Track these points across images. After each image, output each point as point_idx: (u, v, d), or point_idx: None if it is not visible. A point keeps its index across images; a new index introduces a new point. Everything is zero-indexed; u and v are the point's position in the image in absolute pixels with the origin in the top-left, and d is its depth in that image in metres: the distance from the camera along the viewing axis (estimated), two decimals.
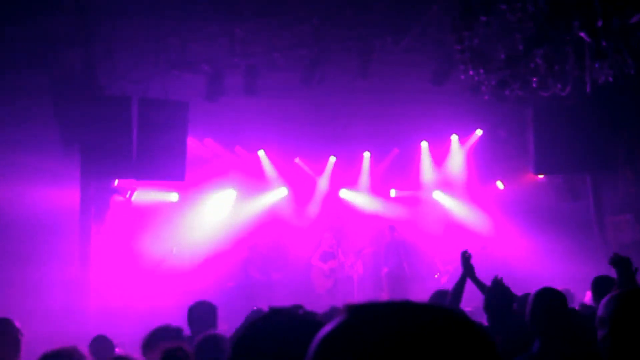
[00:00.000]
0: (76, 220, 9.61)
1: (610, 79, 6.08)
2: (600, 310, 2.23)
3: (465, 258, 5.01)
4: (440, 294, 5.36)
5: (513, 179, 12.71)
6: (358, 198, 13.74)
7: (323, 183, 13.79)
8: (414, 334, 0.75)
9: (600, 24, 5.57)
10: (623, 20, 5.64)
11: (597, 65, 6.01)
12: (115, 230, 10.47)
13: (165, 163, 9.72)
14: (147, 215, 11.79)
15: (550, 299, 3.21)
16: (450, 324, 0.77)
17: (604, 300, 2.25)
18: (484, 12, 5.66)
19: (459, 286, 4.91)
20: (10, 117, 8.87)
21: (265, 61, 9.99)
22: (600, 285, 5.07)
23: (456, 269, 11.37)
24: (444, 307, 0.81)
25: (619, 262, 4.34)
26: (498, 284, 4.75)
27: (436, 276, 11.86)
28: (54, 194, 9.32)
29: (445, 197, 13.52)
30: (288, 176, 13.68)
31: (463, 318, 0.80)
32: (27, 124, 8.92)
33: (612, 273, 9.56)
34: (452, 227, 12.81)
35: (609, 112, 10.74)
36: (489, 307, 4.68)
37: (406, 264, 11.87)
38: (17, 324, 3.99)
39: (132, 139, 9.46)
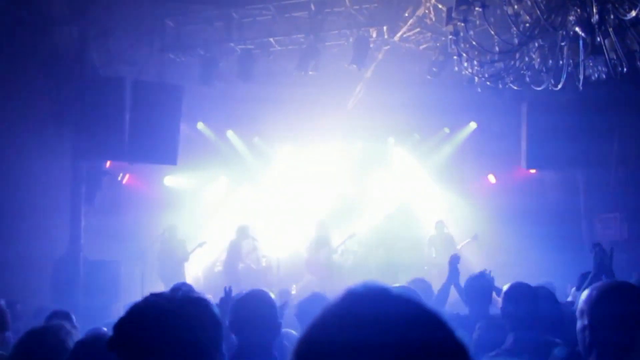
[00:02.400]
0: (67, 199, 9.59)
1: (604, 75, 6.08)
2: (580, 303, 2.27)
3: (453, 262, 5.00)
4: (419, 281, 5.40)
5: (505, 173, 12.76)
6: (351, 187, 13.76)
7: (317, 171, 13.79)
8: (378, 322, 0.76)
9: (596, 19, 5.56)
10: (619, 17, 5.63)
11: (590, 62, 6.01)
12: (106, 210, 10.47)
13: (157, 146, 9.69)
14: (139, 197, 11.81)
15: (521, 295, 3.25)
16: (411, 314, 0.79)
17: (584, 293, 2.28)
18: (479, 3, 5.63)
19: (445, 289, 4.94)
20: (4, 96, 8.82)
21: (261, 47, 9.96)
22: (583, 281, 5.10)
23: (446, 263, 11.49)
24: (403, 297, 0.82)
25: (597, 251, 4.38)
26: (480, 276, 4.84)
27: (426, 268, 11.88)
28: (44, 173, 9.29)
29: (437, 189, 13.55)
30: (280, 163, 13.68)
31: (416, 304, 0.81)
32: (19, 103, 8.87)
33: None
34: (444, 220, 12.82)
35: (603, 110, 10.79)
36: (469, 297, 4.76)
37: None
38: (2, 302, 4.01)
39: (125, 121, 9.40)
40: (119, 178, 11.73)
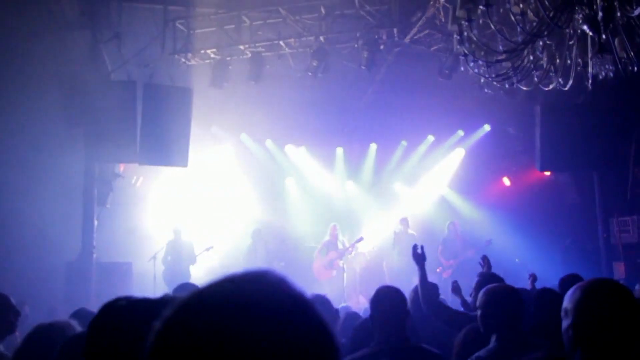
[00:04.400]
0: (79, 201, 9.70)
1: (612, 74, 5.97)
2: (565, 301, 2.23)
3: (415, 251, 4.89)
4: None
5: (520, 176, 12.61)
6: (363, 190, 13.72)
7: (330, 174, 13.78)
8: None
9: (601, 16, 5.46)
10: (625, 14, 5.53)
11: (598, 60, 5.91)
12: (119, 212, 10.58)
13: (168, 149, 9.76)
14: (152, 199, 11.92)
15: (501, 297, 3.20)
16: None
17: (569, 291, 2.24)
18: (484, 2, 5.56)
19: (422, 281, 4.81)
20: (18, 99, 8.96)
21: (271, 49, 9.98)
22: (566, 285, 4.99)
23: (459, 264, 11.40)
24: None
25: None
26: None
27: (438, 270, 11.79)
28: (57, 176, 9.42)
29: (452, 193, 13.45)
30: (294, 165, 13.69)
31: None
32: (32, 105, 9.00)
33: (612, 272, 9.46)
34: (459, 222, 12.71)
35: (619, 112, 10.61)
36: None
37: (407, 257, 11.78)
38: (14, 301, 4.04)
39: (137, 123, 9.50)
40: (133, 181, 11.85)
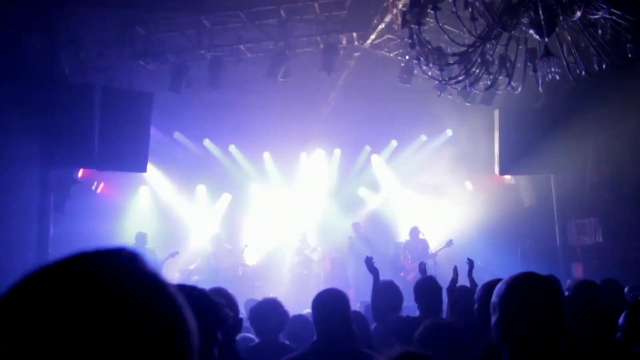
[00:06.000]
0: (35, 207, 9.51)
1: (557, 77, 6.09)
2: (493, 297, 2.23)
3: (369, 263, 5.09)
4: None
5: (481, 179, 12.78)
6: (328, 195, 13.75)
7: (294, 179, 13.78)
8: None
9: (545, 21, 5.59)
10: (567, 18, 5.67)
11: (544, 63, 6.02)
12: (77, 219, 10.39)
13: (127, 154, 9.64)
14: (113, 206, 11.77)
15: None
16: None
17: (497, 286, 2.24)
18: (431, 6, 5.65)
19: (375, 290, 5.00)
20: None
21: (231, 54, 9.97)
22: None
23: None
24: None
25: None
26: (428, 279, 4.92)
27: (402, 274, 11.86)
28: (12, 181, 9.22)
29: (414, 196, 13.56)
30: (258, 171, 13.67)
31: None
32: None
33: (570, 273, 9.61)
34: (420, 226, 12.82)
35: (576, 116, 10.83)
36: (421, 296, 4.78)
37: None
38: None
39: (95, 128, 9.37)
40: (93, 187, 11.67)
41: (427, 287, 4.82)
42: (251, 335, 4.60)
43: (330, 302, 3.36)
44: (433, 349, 3.05)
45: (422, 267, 5.87)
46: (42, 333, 0.70)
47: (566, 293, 4.34)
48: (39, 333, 0.70)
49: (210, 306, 2.25)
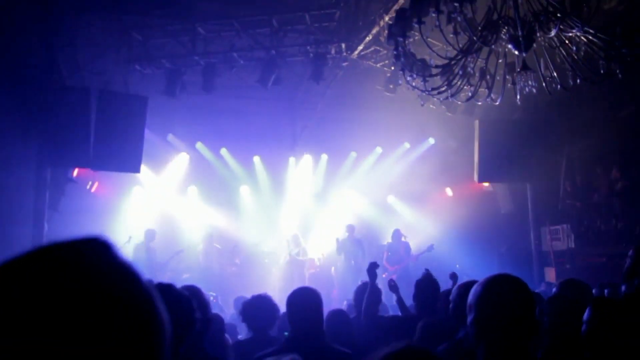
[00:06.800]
0: (30, 206, 9.74)
1: (534, 90, 6.56)
2: (469, 297, 2.30)
3: (372, 268, 5.18)
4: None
5: (460, 186, 13.27)
6: (314, 198, 14.15)
7: (282, 182, 14.16)
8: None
9: (523, 37, 6.05)
10: (544, 34, 6.13)
11: (522, 77, 6.49)
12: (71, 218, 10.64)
13: (122, 154, 9.93)
14: (107, 205, 12.03)
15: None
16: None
17: (473, 288, 2.31)
18: (416, 20, 6.09)
19: (371, 293, 5.20)
20: None
21: (224, 61, 10.34)
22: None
23: (404, 269, 11.91)
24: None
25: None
26: (427, 276, 5.24)
27: (384, 276, 12.26)
28: (8, 180, 9.45)
29: (398, 202, 14.02)
30: (249, 174, 14.03)
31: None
32: None
33: (543, 277, 10.06)
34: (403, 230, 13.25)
35: (551, 128, 11.40)
36: (417, 296, 5.11)
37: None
38: None
39: (90, 129, 9.65)
40: (88, 186, 11.93)
41: (426, 287, 5.09)
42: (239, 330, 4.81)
43: (303, 300, 3.48)
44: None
45: (392, 285, 6.00)
46: (5, 327, 0.67)
47: (553, 290, 4.49)
48: (3, 327, 0.67)
49: (183, 307, 2.30)
